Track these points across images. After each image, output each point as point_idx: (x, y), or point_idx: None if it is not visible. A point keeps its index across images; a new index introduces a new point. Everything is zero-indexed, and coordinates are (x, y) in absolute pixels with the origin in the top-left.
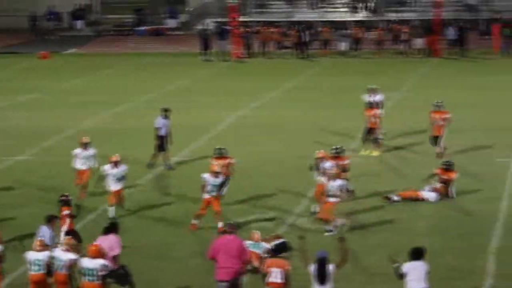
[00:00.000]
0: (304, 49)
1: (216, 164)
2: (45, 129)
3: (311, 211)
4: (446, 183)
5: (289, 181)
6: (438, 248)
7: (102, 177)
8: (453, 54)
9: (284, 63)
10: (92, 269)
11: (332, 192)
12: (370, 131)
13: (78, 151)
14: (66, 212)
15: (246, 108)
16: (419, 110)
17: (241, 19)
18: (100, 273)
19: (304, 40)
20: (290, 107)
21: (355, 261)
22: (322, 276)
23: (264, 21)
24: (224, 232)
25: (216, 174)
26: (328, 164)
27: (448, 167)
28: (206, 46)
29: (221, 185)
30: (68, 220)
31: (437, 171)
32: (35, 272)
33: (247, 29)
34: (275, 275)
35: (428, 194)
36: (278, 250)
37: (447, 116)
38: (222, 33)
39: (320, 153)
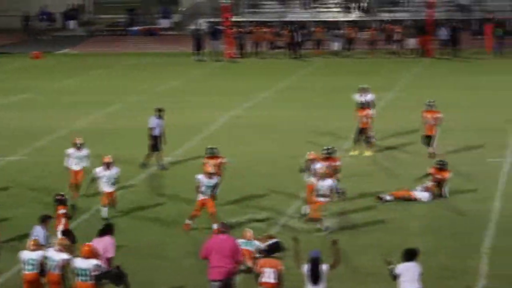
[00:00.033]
0: (297, 49)
1: (210, 165)
2: (38, 129)
3: (301, 213)
4: (440, 182)
5: (282, 181)
6: (430, 248)
7: (94, 180)
8: (446, 54)
9: (277, 63)
10: (85, 269)
11: (322, 192)
12: (361, 131)
13: (71, 151)
14: (61, 211)
15: (239, 108)
16: (412, 110)
17: (234, 19)
18: (93, 273)
19: (296, 40)
20: (283, 107)
21: (348, 261)
22: (315, 276)
23: (257, 21)
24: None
25: (210, 175)
26: (318, 165)
27: (442, 167)
28: (199, 46)
29: (215, 186)
30: (63, 220)
31: (431, 170)
32: (28, 271)
33: (239, 29)
34: (268, 275)
35: (421, 194)
36: (271, 250)
37: (439, 115)
38: (215, 33)
39: (311, 154)
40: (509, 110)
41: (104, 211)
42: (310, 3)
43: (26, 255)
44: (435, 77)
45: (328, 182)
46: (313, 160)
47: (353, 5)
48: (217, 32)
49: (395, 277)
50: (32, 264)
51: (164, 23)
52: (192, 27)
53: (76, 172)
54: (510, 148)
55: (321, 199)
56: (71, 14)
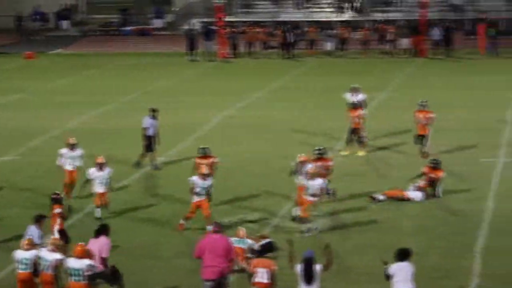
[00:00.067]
0: (290, 49)
1: (204, 166)
2: (31, 129)
3: (292, 215)
4: (434, 181)
5: (275, 181)
6: (423, 247)
7: (87, 181)
8: (439, 54)
9: (270, 63)
10: (78, 269)
11: (312, 191)
12: (354, 131)
13: (64, 151)
14: (57, 210)
15: (232, 108)
16: (405, 110)
17: (227, 19)
18: (86, 273)
19: (290, 40)
20: (276, 107)
21: (341, 261)
22: (308, 276)
23: (250, 21)
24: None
25: (204, 176)
26: (309, 166)
27: (435, 166)
28: (192, 46)
29: (209, 188)
30: (59, 219)
31: (425, 169)
32: (22, 270)
33: (233, 29)
34: (262, 275)
35: (414, 194)
36: (264, 250)
37: (431, 115)
38: (208, 33)
39: (302, 157)
40: (502, 110)
41: (98, 212)
42: (303, 3)
43: (20, 254)
44: (428, 77)
45: (318, 181)
46: (304, 162)
47: (346, 5)
48: (210, 32)
49: (387, 276)
50: (26, 264)
51: (157, 23)
52: (185, 27)
53: (70, 172)
54: (503, 148)
55: (310, 198)
56: (64, 14)
